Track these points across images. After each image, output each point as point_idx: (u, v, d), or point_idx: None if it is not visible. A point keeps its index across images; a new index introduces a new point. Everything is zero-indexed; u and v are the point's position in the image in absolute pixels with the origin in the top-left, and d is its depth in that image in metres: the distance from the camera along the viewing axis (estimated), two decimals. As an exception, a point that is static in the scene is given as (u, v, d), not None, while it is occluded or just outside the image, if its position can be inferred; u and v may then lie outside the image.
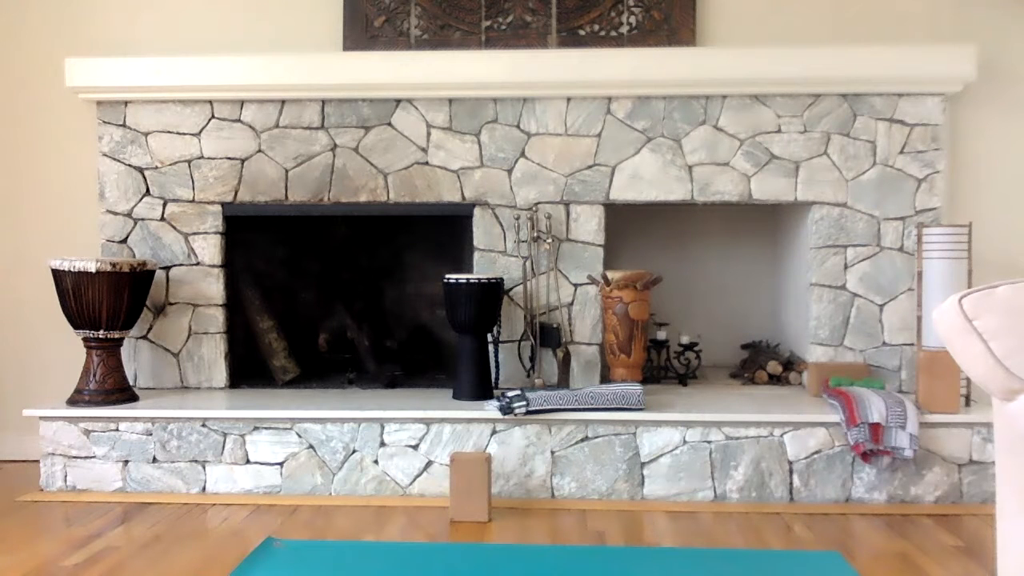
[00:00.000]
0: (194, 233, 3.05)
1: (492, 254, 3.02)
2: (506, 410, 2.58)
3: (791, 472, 2.59)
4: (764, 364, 3.14)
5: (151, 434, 2.69)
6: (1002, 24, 3.06)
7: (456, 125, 3.00)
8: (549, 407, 2.60)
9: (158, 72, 2.95)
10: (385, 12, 3.12)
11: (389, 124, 3.01)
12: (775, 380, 3.13)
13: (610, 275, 2.93)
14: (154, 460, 2.69)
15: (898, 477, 2.56)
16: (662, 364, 3.17)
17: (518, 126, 2.99)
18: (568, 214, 3.00)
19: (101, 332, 2.77)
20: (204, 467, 2.68)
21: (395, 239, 3.45)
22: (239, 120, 3.03)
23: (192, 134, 3.04)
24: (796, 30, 3.10)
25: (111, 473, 2.70)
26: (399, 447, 2.65)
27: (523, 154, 2.99)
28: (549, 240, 2.99)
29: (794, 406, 2.71)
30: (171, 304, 3.06)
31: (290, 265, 3.41)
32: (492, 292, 2.80)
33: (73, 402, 2.77)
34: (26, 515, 2.50)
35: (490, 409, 2.65)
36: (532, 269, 3.01)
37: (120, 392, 2.81)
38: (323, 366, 3.32)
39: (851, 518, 2.46)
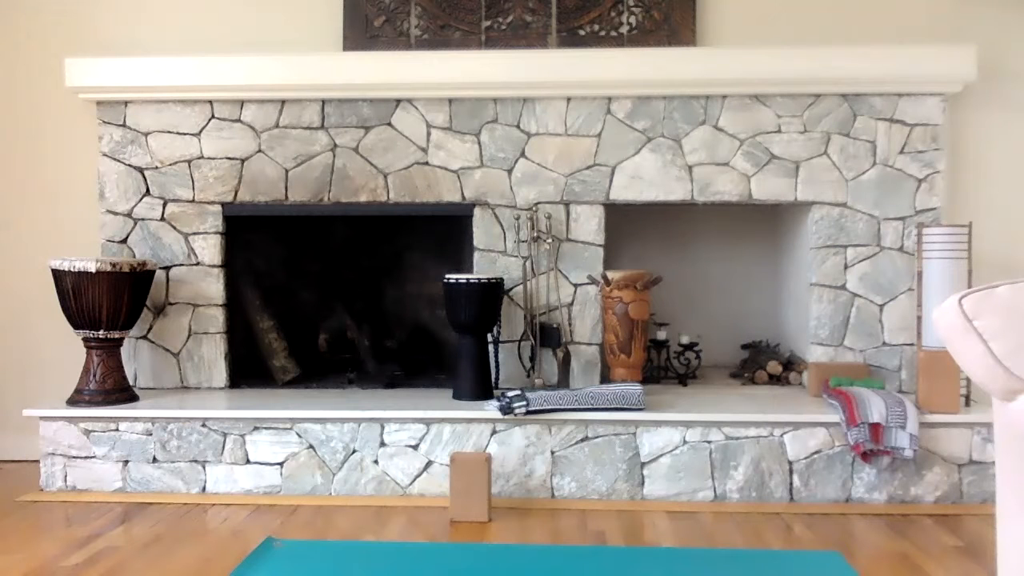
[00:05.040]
0: (194, 233, 3.05)
1: (492, 254, 3.02)
2: (506, 410, 2.58)
3: (791, 472, 2.59)
4: (764, 364, 3.14)
5: (151, 434, 2.69)
6: (1002, 24, 3.06)
7: (456, 125, 3.00)
8: (549, 407, 2.60)
9: (158, 72, 2.95)
10: (385, 12, 3.12)
11: (389, 124, 3.01)
12: (775, 380, 3.13)
13: (610, 275, 2.93)
14: (154, 460, 2.69)
15: (898, 477, 2.56)
16: (662, 364, 3.17)
17: (518, 126, 2.99)
18: (568, 214, 3.00)
19: (101, 332, 2.77)
20: (204, 467, 2.68)
21: (395, 239, 3.45)
22: (239, 120, 3.03)
23: (192, 134, 3.04)
24: (796, 30, 3.10)
25: (111, 473, 2.70)
26: (399, 447, 2.65)
27: (523, 154, 2.99)
28: (549, 240, 2.99)
29: (794, 406, 2.71)
30: (171, 304, 3.06)
31: (290, 265, 3.41)
32: (492, 292, 2.80)
33: (73, 402, 2.77)
34: (26, 515, 2.50)
35: (490, 409, 2.65)
36: (532, 269, 3.01)
37: (120, 392, 2.81)
38: (323, 366, 3.32)
39: (851, 518, 2.46)
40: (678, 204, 3.03)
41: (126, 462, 2.70)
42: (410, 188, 3.01)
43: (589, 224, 3.00)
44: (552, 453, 2.62)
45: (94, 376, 2.78)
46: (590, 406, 2.61)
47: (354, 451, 2.65)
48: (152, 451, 2.69)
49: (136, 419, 2.69)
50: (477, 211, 3.01)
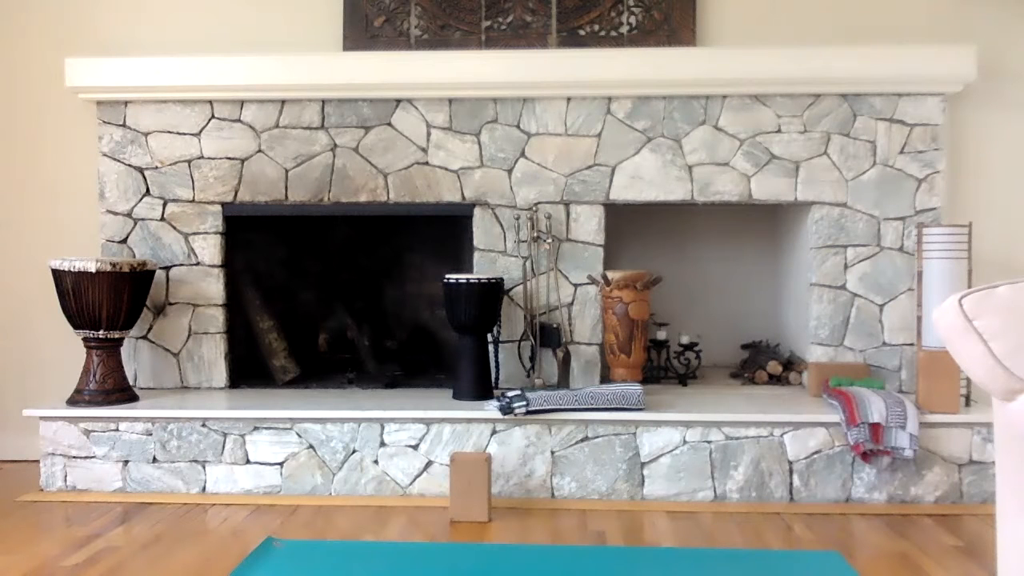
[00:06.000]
0: (194, 233, 3.05)
1: (492, 254, 3.02)
2: (506, 410, 2.58)
3: (791, 472, 2.59)
4: (764, 364, 3.14)
5: (151, 434, 2.69)
6: (1002, 24, 3.06)
7: (456, 125, 3.00)
8: (549, 407, 2.60)
9: (158, 72, 2.95)
10: (385, 12, 3.12)
11: (389, 124, 3.01)
12: (775, 380, 3.13)
13: (610, 275, 2.93)
14: (154, 460, 2.69)
15: (898, 477, 2.56)
16: (662, 364, 3.17)
17: (518, 126, 2.99)
18: (568, 214, 3.00)
19: (101, 332, 2.77)
20: (204, 467, 2.68)
21: (395, 239, 3.45)
22: (239, 120, 3.03)
23: (192, 134, 3.04)
24: (796, 30, 3.10)
25: (111, 473, 2.70)
26: (399, 447, 2.65)
27: (523, 154, 2.99)
28: (549, 240, 2.99)
29: (794, 406, 2.71)
30: (171, 304, 3.06)
31: (290, 265, 3.42)
32: (492, 292, 2.80)
33: (73, 402, 2.77)
34: (26, 515, 2.50)
35: (490, 409, 2.65)
36: (532, 269, 3.01)
37: (120, 392, 2.81)
38: (323, 366, 3.32)
39: (851, 518, 2.46)
40: (678, 204, 3.03)
41: (126, 462, 2.70)
42: (410, 188, 3.01)
43: (589, 224, 3.00)
44: (552, 453, 2.62)
45: (94, 376, 2.78)
46: (590, 406, 2.61)
47: (354, 451, 2.65)
48: (152, 451, 2.69)
49: (136, 419, 2.69)
50: (477, 211, 3.01)
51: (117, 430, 2.70)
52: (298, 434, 2.66)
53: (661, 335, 3.18)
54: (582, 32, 3.09)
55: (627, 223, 3.45)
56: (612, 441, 2.61)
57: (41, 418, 2.72)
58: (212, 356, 3.06)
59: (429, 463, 2.64)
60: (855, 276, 2.95)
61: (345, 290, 3.44)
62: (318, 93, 2.97)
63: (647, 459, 2.61)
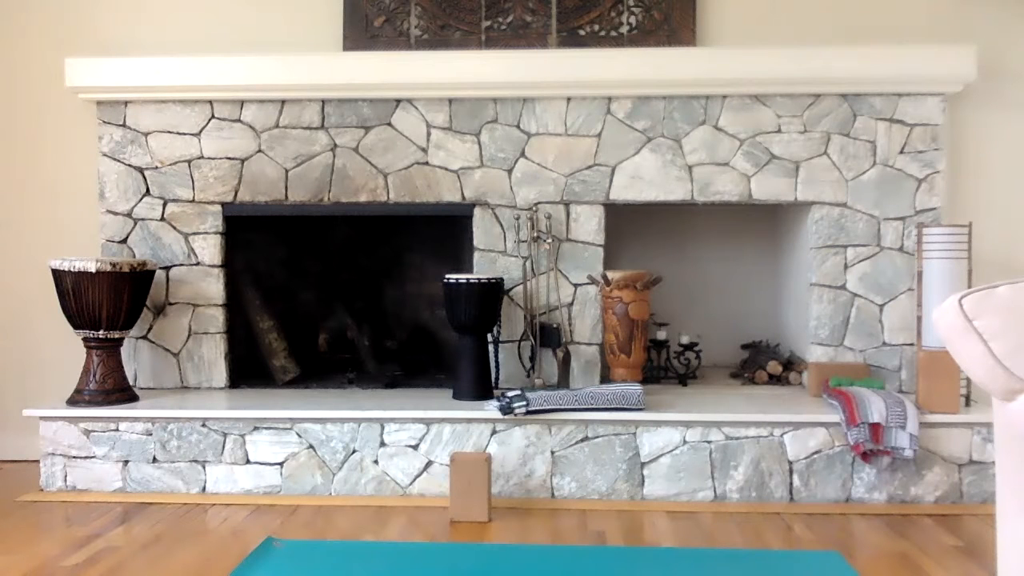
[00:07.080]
0: (194, 233, 3.05)
1: (492, 254, 3.02)
2: (506, 410, 2.58)
3: (791, 472, 2.59)
4: (764, 364, 3.13)
5: (151, 434, 2.69)
6: (1002, 24, 3.06)
7: (456, 125, 3.00)
8: (549, 407, 2.60)
9: (158, 72, 2.95)
10: (385, 12, 3.12)
11: (389, 124, 3.01)
12: (775, 380, 3.13)
13: (610, 275, 2.93)
14: (154, 460, 2.69)
15: (898, 477, 2.56)
16: (662, 364, 3.17)
17: (518, 126, 2.99)
18: (568, 214, 3.00)
19: (101, 332, 2.77)
20: (204, 467, 2.68)
21: (395, 239, 3.45)
22: (239, 120, 3.03)
23: (192, 134, 3.04)
24: (796, 30, 3.10)
25: (111, 473, 2.70)
26: (399, 447, 2.65)
27: (523, 154, 2.99)
28: (549, 240, 2.99)
29: (794, 406, 2.71)
30: (171, 304, 3.06)
31: (290, 265, 3.42)
32: (492, 292, 2.80)
33: (73, 402, 2.77)
34: (26, 515, 2.50)
35: (490, 409, 2.65)
36: (532, 269, 3.01)
37: (120, 392, 2.81)
38: (323, 366, 3.32)
39: (851, 518, 2.46)
40: (678, 204, 3.03)
41: (126, 462, 2.70)
42: (410, 188, 3.01)
43: (589, 224, 3.00)
44: (552, 453, 2.62)
45: (94, 376, 2.78)
46: (590, 406, 2.61)
47: (354, 451, 2.65)
48: (152, 451, 2.69)
49: (136, 419, 2.69)
50: (477, 211, 3.01)
51: (117, 430, 2.70)
52: (298, 434, 2.66)
53: (661, 335, 3.18)
54: (582, 32, 3.09)
55: (627, 223, 3.45)
56: (612, 441, 2.61)
57: (41, 418, 2.72)
58: (212, 356, 3.06)
59: (429, 463, 2.64)
60: (855, 276, 2.95)
61: (345, 290, 3.44)
62: (318, 93, 2.97)
63: (647, 459, 2.61)
